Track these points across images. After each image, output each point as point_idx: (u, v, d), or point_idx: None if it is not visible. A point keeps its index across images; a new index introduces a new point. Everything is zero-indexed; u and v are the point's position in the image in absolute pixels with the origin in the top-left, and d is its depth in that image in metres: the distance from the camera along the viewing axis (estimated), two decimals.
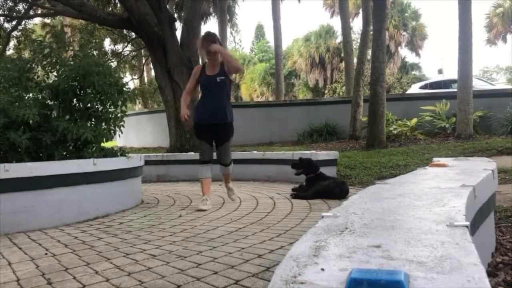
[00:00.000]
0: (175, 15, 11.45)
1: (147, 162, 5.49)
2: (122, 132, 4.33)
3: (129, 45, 17.00)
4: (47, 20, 16.89)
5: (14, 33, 12.64)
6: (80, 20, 12.87)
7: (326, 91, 26.22)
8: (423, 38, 26.28)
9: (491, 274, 1.85)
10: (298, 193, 4.43)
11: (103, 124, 4.18)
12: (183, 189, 5.54)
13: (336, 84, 24.55)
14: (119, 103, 4.24)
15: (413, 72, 26.17)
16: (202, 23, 23.23)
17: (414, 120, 9.77)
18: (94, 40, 14.34)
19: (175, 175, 6.90)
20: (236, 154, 6.94)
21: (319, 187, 4.32)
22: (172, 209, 4.00)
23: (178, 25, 14.53)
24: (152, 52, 9.09)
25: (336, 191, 4.22)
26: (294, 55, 28.76)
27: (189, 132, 8.88)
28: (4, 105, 3.57)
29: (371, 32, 9.43)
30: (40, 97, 4.07)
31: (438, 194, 1.45)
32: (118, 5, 12.67)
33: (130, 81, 21.80)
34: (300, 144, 10.65)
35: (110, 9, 13.33)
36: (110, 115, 4.21)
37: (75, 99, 4.09)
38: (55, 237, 2.93)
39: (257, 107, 13.62)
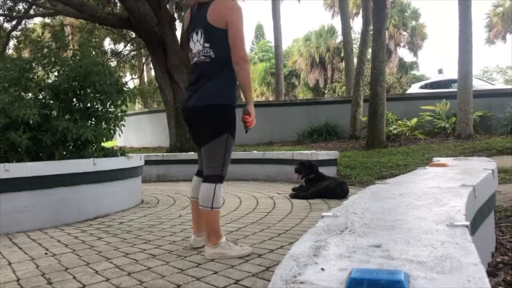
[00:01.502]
0: (175, 15, 11.44)
1: (147, 162, 5.49)
2: (122, 132, 4.33)
3: (129, 45, 17.01)
4: (47, 20, 16.89)
5: (14, 33, 12.64)
6: (80, 19, 12.86)
7: (326, 91, 26.24)
8: (423, 38, 26.31)
9: (491, 274, 1.85)
10: (298, 193, 4.43)
11: (103, 123, 4.18)
12: (183, 189, 5.54)
13: (336, 83, 24.57)
14: (119, 102, 4.24)
15: (413, 72, 26.20)
16: None
17: (414, 120, 9.77)
18: (93, 39, 14.35)
19: (175, 175, 6.90)
20: (236, 154, 6.94)
21: (320, 187, 4.32)
22: (172, 209, 4.00)
23: (178, 25, 14.55)
24: (152, 52, 9.09)
25: (337, 191, 4.22)
26: (294, 55, 28.78)
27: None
28: (4, 105, 3.57)
29: (371, 32, 9.43)
30: (40, 97, 4.07)
31: (438, 194, 1.45)
32: (118, 4, 12.66)
33: (130, 81, 21.84)
34: (300, 144, 10.65)
35: (110, 8, 13.32)
36: (110, 115, 4.21)
37: (75, 99, 4.09)
38: (55, 237, 2.93)
39: (257, 107, 13.27)
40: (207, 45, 2.21)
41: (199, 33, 2.23)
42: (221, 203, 2.29)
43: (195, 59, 2.27)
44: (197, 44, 2.25)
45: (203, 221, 2.33)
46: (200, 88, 2.22)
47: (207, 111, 2.20)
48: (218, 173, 2.24)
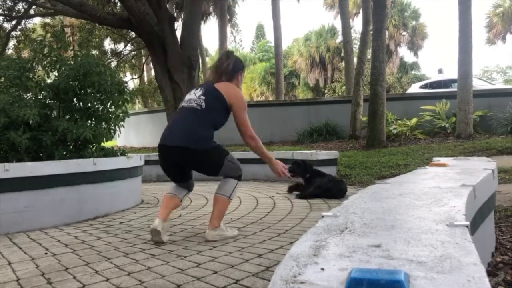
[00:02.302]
0: (175, 15, 11.44)
1: (147, 162, 5.49)
2: (120, 132, 4.33)
3: (129, 45, 17.01)
4: (47, 20, 16.89)
5: (14, 33, 12.63)
6: (80, 19, 12.86)
7: (326, 91, 26.25)
8: (423, 37, 26.32)
9: (491, 273, 1.85)
10: (304, 193, 4.38)
11: (103, 124, 4.18)
12: None
13: (336, 83, 24.56)
14: (120, 103, 4.24)
15: (413, 72, 26.20)
16: (202, 22, 23.28)
17: (414, 120, 9.77)
18: (93, 39, 14.34)
19: None
20: (236, 154, 6.94)
21: (320, 182, 4.32)
22: None
23: (178, 25, 14.55)
24: (152, 52, 9.08)
25: (335, 190, 4.22)
26: (294, 55, 28.77)
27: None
28: (4, 105, 3.57)
29: (371, 32, 9.43)
30: (40, 97, 4.07)
31: (438, 194, 1.45)
32: (118, 4, 12.66)
33: (130, 81, 21.85)
34: (300, 144, 10.65)
35: (110, 8, 13.32)
36: (111, 115, 4.21)
37: (75, 99, 4.09)
38: (55, 236, 2.93)
39: (257, 106, 13.61)
40: (202, 97, 2.57)
41: (200, 89, 2.63)
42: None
43: (185, 104, 2.62)
44: (192, 94, 2.64)
45: (170, 213, 2.66)
46: (190, 132, 2.51)
47: (206, 153, 2.54)
48: (239, 173, 2.79)
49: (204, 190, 5.15)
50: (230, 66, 2.71)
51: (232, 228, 2.83)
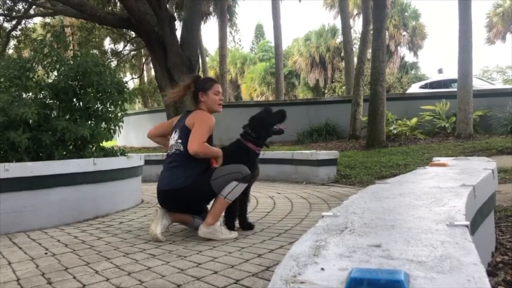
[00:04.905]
0: (175, 15, 11.44)
1: (147, 162, 5.49)
2: (120, 132, 4.33)
3: (129, 45, 17.02)
4: (47, 20, 16.90)
5: (14, 33, 12.63)
6: (80, 19, 12.86)
7: (326, 91, 26.26)
8: (423, 37, 26.34)
9: (491, 273, 1.85)
10: None
11: (103, 123, 4.18)
12: None
13: (336, 83, 24.57)
14: (119, 102, 4.24)
15: (413, 72, 26.22)
16: (202, 22, 23.28)
17: (414, 120, 9.77)
18: (93, 39, 14.34)
19: None
20: None
21: None
22: None
23: (178, 25, 14.55)
24: (152, 52, 9.09)
25: None
26: (294, 55, 28.78)
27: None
28: (4, 104, 3.56)
29: (371, 32, 9.43)
30: (40, 97, 4.07)
31: (438, 194, 1.45)
32: (118, 4, 12.66)
33: (130, 81, 21.85)
34: (300, 144, 10.65)
35: (110, 8, 13.32)
36: (110, 115, 4.21)
37: (75, 99, 4.09)
38: (55, 236, 2.93)
39: (257, 106, 13.58)
40: (179, 141, 2.68)
41: (177, 131, 2.74)
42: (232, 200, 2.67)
43: (169, 152, 2.76)
44: (172, 139, 2.77)
45: (178, 218, 2.80)
46: (171, 174, 2.66)
47: (182, 191, 2.61)
48: (236, 177, 2.64)
49: None
50: (190, 93, 2.83)
51: (232, 231, 2.75)
